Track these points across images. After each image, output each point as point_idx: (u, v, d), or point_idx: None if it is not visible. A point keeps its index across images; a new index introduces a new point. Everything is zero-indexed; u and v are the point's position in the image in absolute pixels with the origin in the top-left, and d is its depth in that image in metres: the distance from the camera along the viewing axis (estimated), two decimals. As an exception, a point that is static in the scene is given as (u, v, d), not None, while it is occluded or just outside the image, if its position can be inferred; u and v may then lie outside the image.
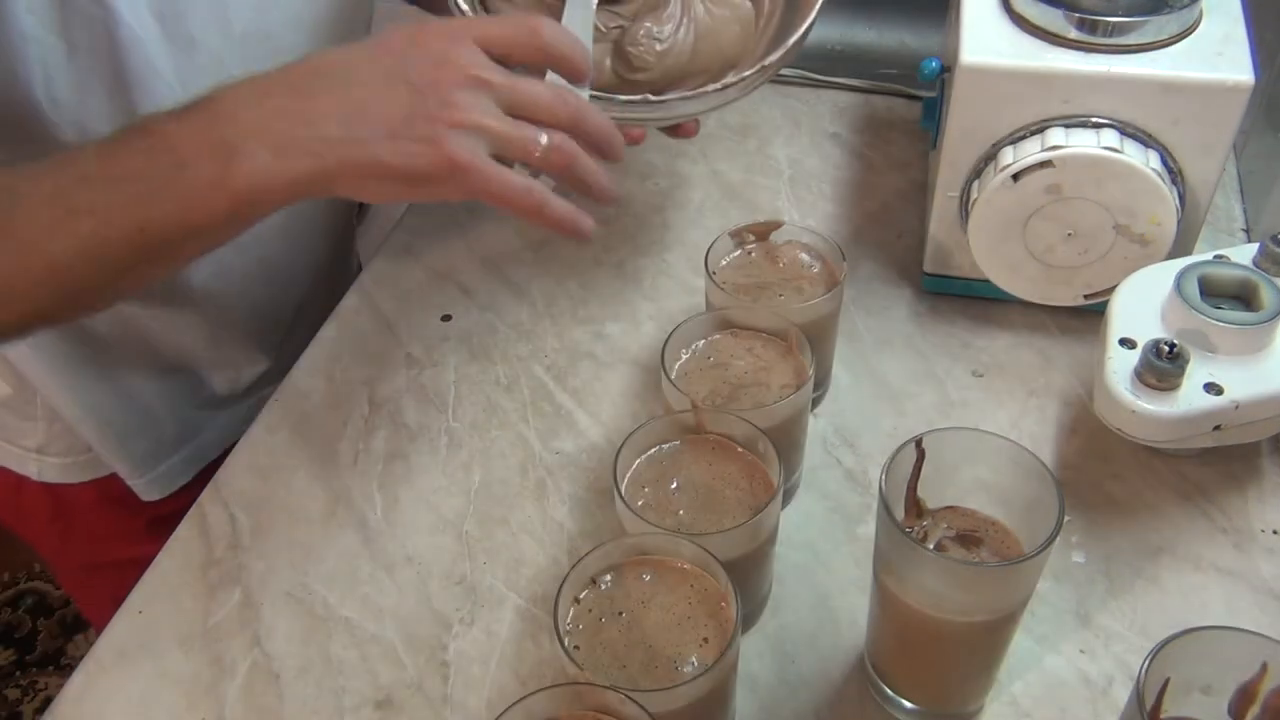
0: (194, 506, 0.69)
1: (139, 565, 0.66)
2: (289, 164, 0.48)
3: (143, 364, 0.78)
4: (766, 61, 0.66)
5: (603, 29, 0.70)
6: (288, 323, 0.86)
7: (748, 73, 0.66)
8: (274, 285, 0.83)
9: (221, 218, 0.49)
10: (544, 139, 0.50)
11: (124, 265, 0.50)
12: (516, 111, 0.50)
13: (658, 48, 0.68)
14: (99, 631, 0.64)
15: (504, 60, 0.51)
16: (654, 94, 0.67)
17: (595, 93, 0.65)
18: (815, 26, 0.69)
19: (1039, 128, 0.69)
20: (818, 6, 0.68)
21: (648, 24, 0.69)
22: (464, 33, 0.50)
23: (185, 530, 0.68)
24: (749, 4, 0.72)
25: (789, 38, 0.67)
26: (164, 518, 0.72)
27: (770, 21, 0.73)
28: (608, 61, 0.69)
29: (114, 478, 0.81)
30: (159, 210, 0.48)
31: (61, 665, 1.66)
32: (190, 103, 0.50)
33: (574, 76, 0.54)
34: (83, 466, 0.80)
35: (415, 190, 0.50)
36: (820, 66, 1.02)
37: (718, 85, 0.66)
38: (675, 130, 0.70)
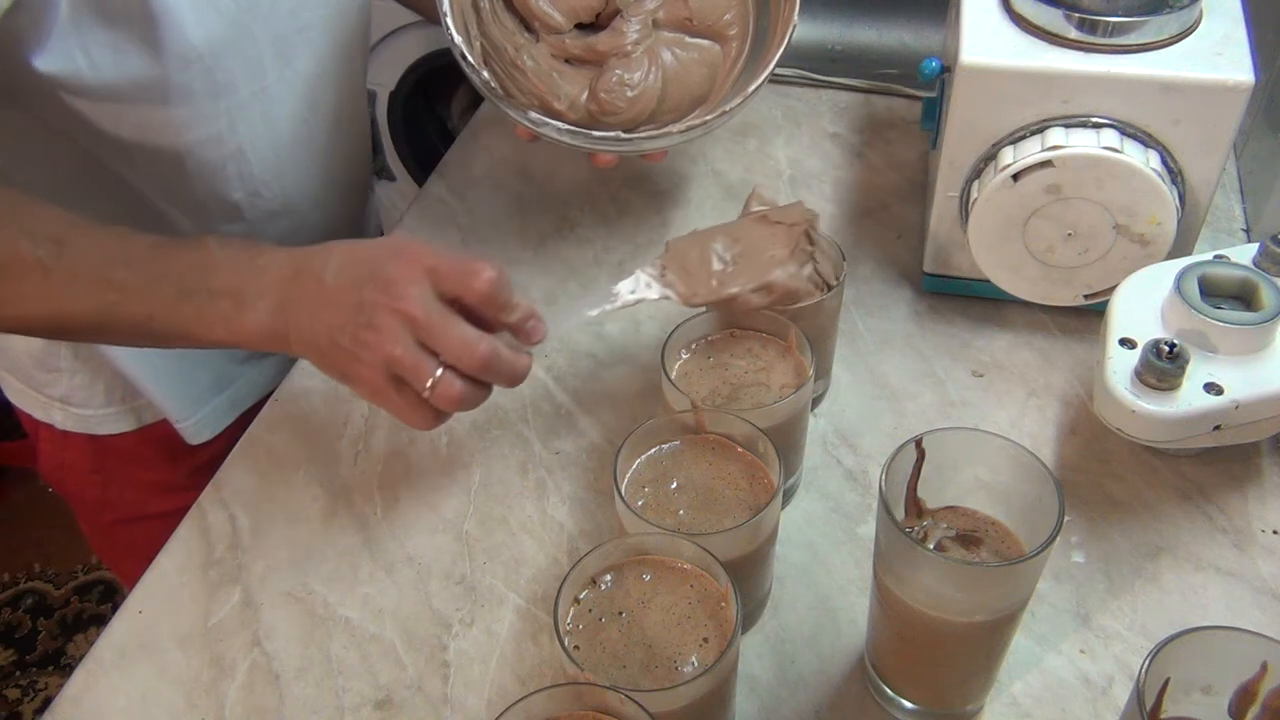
0: (194, 507, 0.69)
1: (175, 518, 0.69)
2: (274, 330, 0.59)
3: None
4: (727, 107, 0.72)
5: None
6: None
7: (709, 117, 0.73)
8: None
9: (215, 342, 0.61)
10: (436, 374, 0.57)
11: (122, 333, 0.63)
12: (428, 346, 0.57)
13: (628, 94, 0.74)
14: (130, 591, 0.65)
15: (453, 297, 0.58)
16: (625, 131, 0.74)
17: (570, 127, 0.72)
18: (815, 30, 0.72)
19: (1039, 128, 0.69)
20: (778, 55, 0.74)
21: (619, 71, 0.74)
22: (422, 270, 0.57)
23: (185, 530, 0.68)
24: (717, 46, 0.78)
25: (751, 83, 0.73)
26: (204, 465, 0.75)
27: (736, 64, 0.78)
28: (583, 99, 0.74)
29: (151, 428, 0.84)
30: (173, 314, 0.60)
31: (61, 665, 1.66)
32: (242, 240, 0.62)
33: (521, 339, 0.61)
34: (103, 419, 0.84)
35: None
36: (820, 66, 1.02)
37: (681, 127, 0.73)
38: (645, 156, 0.77)
